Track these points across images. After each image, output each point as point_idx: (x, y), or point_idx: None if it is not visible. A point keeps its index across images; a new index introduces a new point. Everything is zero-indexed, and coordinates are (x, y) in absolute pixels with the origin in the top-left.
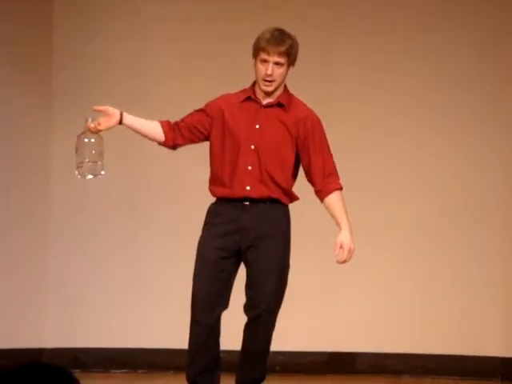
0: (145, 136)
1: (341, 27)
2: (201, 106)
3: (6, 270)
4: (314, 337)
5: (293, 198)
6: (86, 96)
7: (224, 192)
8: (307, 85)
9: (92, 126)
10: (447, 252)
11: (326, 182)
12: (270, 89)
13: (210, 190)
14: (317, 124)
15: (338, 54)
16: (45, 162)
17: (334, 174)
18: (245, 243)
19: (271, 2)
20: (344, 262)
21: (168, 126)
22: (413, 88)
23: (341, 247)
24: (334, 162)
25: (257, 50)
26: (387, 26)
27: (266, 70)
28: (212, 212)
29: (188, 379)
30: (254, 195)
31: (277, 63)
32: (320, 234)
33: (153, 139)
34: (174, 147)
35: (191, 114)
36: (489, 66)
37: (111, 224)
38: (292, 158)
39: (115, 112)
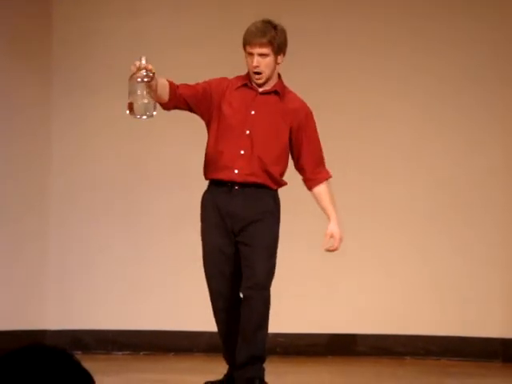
0: (155, 97)
1: (339, 15)
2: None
3: (8, 254)
4: (315, 318)
5: (281, 183)
6: (85, 86)
7: (213, 174)
8: (306, 72)
9: (150, 66)
10: (448, 235)
11: (316, 172)
12: (260, 81)
13: (203, 172)
14: (310, 115)
15: (336, 41)
16: (45, 151)
17: (322, 163)
18: (236, 227)
19: None
20: (334, 250)
21: (174, 92)
22: (414, 76)
23: (331, 237)
24: (322, 152)
25: (244, 44)
26: (388, 14)
27: (253, 62)
28: (204, 202)
29: (226, 361)
30: (239, 179)
31: (261, 54)
32: (321, 216)
33: (157, 99)
34: (168, 109)
35: (194, 87)
36: (489, 56)
37: (111, 207)
38: (285, 144)
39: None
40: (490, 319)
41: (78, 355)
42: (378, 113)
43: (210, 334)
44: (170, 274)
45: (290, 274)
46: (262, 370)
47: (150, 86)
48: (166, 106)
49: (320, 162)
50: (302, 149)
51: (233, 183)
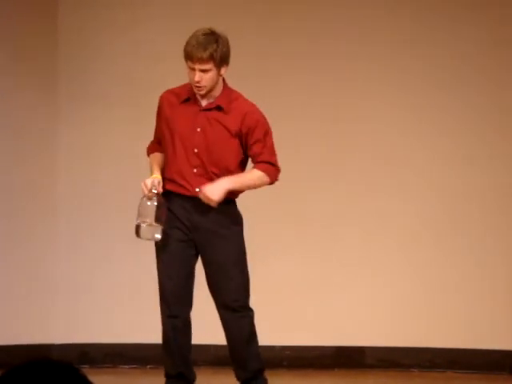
0: None
1: (328, 19)
2: None
3: (14, 267)
4: (322, 331)
5: (238, 193)
6: (90, 94)
7: (174, 189)
8: (296, 77)
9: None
10: (457, 246)
11: (257, 160)
12: (201, 93)
13: (163, 184)
14: (258, 120)
15: (324, 46)
16: (51, 155)
17: (267, 162)
18: (199, 240)
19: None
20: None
21: (158, 148)
22: (410, 83)
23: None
24: (272, 155)
25: (185, 57)
26: (379, 15)
27: (194, 77)
28: None
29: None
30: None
31: (202, 70)
32: (328, 228)
33: None
34: None
35: (156, 135)
36: (488, 58)
37: (118, 219)
38: (237, 155)
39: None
40: (497, 331)
41: (85, 369)
42: (372, 119)
43: (217, 347)
44: None
45: (297, 286)
46: (266, 382)
47: (159, 208)
48: None
49: (263, 160)
50: (250, 150)
51: (192, 198)
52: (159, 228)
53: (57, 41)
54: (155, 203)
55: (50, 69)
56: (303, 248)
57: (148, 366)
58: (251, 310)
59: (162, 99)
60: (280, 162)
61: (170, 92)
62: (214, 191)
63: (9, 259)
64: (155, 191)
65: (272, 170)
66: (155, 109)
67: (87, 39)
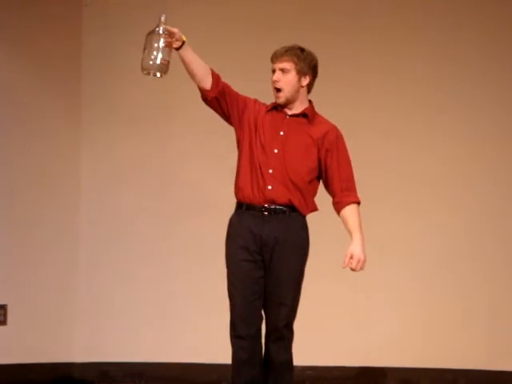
0: (190, 73)
1: (347, 26)
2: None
3: (36, 286)
4: (344, 352)
5: (312, 207)
6: (114, 113)
7: (245, 193)
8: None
9: (174, 30)
10: (480, 263)
11: (344, 195)
12: (280, 100)
13: (235, 193)
14: (340, 138)
15: (347, 58)
16: (74, 174)
17: (352, 187)
18: (266, 254)
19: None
20: (354, 270)
21: (218, 80)
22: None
23: (351, 257)
24: (353, 175)
25: (271, 61)
26: (398, 20)
27: (273, 76)
28: (233, 223)
29: None
30: (275, 196)
31: (281, 69)
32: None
33: (196, 79)
34: (208, 100)
35: (236, 92)
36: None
37: (140, 236)
38: (314, 165)
39: (180, 38)
40: None
41: None
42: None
43: None
44: (199, 306)
45: (319, 306)
46: None
47: (168, 43)
48: (209, 95)
49: (349, 185)
50: (332, 172)
51: (264, 208)
52: (166, 62)
53: (80, 64)
54: (161, 38)
55: (73, 92)
56: (323, 267)
57: None
58: (292, 332)
59: (255, 101)
60: None
61: (260, 102)
62: (361, 253)
63: (31, 279)
64: (161, 30)
65: (356, 196)
66: (178, 131)
67: (110, 62)
